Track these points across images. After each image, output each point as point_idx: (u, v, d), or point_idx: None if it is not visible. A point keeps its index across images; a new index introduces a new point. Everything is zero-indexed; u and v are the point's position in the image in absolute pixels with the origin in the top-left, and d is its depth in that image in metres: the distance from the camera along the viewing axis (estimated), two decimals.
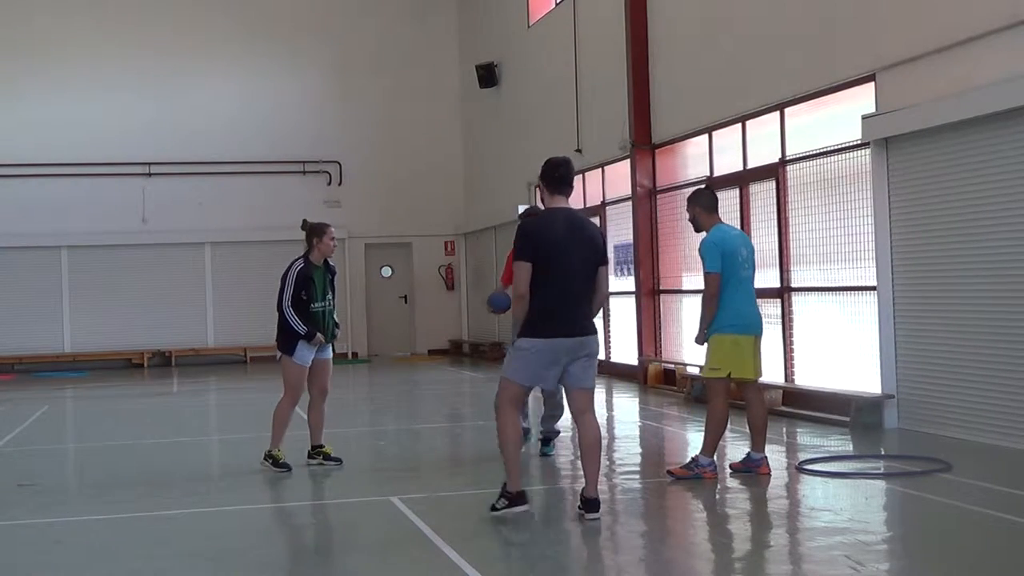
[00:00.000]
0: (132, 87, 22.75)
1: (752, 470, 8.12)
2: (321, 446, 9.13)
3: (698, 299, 13.98)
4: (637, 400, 13.75)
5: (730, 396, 8.24)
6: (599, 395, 14.88)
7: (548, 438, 9.53)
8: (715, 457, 8.15)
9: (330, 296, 9.01)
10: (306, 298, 8.76)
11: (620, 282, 16.54)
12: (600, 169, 17.23)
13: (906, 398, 10.08)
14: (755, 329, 8.12)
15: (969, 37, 9.20)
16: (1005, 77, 8.75)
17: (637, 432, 11.55)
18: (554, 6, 19.20)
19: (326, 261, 8.99)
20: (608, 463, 9.55)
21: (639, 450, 10.34)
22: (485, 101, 22.58)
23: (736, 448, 10.13)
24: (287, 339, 8.82)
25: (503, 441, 6.87)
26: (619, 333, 16.72)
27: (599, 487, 6.88)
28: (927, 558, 5.89)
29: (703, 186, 8.61)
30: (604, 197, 17.15)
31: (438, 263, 24.28)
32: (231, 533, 7.09)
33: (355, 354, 23.42)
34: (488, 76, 21.85)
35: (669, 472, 8.19)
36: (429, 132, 24.10)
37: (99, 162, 22.56)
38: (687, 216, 8.36)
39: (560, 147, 18.24)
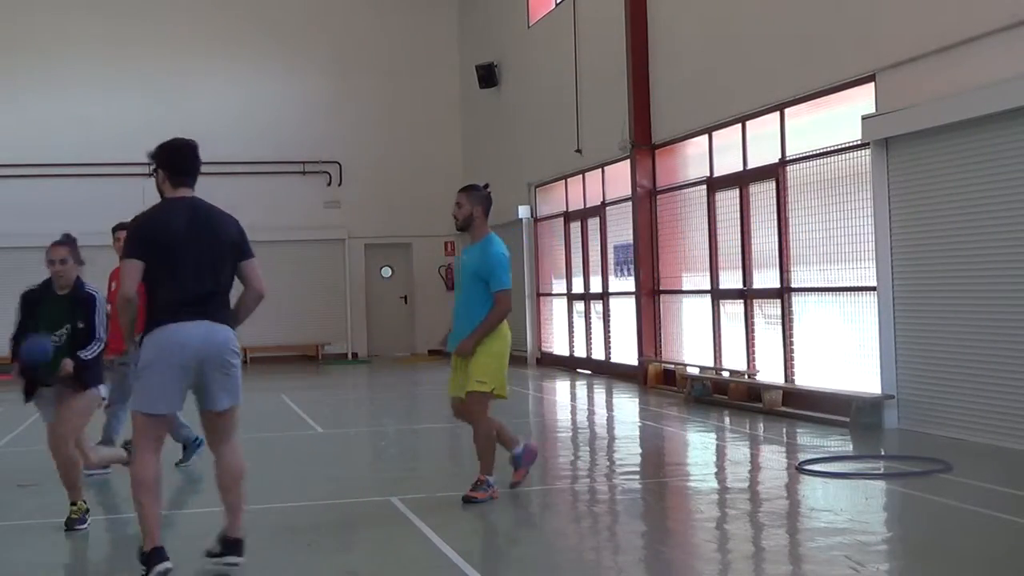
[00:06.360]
0: (132, 87, 22.73)
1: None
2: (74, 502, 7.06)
3: (699, 299, 14.28)
4: (637, 400, 13.74)
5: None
6: (599, 396, 14.93)
7: (185, 445, 9.25)
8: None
9: (65, 331, 7.05)
10: (32, 325, 7.15)
11: (620, 282, 16.54)
12: (600, 169, 17.22)
13: (906, 398, 10.08)
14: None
15: (969, 37, 9.19)
16: (1005, 77, 8.75)
17: (637, 432, 11.54)
18: (554, 6, 19.19)
19: (76, 288, 7.25)
20: (608, 463, 9.56)
21: (639, 450, 10.34)
22: (485, 101, 22.58)
23: (736, 449, 10.15)
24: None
25: (133, 488, 5.69)
26: (619, 333, 16.71)
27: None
28: (927, 558, 5.88)
29: (484, 184, 7.79)
30: (604, 197, 17.14)
31: (438, 263, 24.25)
32: None
33: (355, 354, 23.41)
34: (488, 76, 21.84)
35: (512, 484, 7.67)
36: (429, 132, 24.09)
37: (99, 162, 22.54)
38: (459, 210, 7.43)
39: (560, 147, 18.29)
